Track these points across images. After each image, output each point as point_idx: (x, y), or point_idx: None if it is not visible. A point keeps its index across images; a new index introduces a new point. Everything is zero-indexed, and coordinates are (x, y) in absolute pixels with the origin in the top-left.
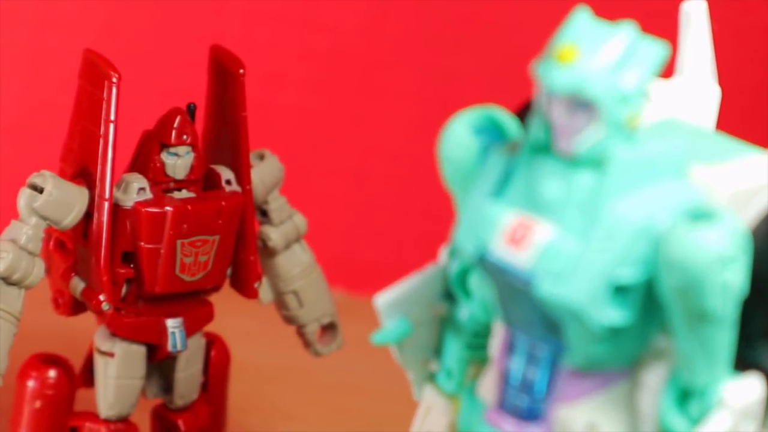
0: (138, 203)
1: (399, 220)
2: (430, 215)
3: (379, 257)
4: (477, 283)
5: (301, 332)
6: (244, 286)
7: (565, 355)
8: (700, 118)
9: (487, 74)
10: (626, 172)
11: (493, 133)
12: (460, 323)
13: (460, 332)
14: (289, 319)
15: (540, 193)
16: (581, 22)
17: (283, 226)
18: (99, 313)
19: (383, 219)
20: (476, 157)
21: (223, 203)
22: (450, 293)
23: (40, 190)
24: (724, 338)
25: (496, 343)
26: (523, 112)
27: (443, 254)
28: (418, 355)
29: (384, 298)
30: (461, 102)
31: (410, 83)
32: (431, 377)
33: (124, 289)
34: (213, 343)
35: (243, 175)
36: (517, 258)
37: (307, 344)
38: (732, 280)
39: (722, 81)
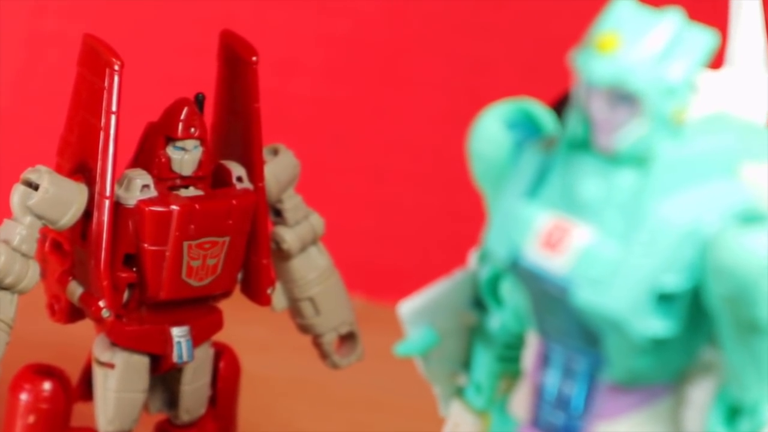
0: (141, 201)
1: (424, 221)
2: (458, 216)
3: (402, 262)
4: (509, 290)
5: (317, 342)
6: (256, 292)
7: (605, 369)
8: (752, 112)
9: (521, 63)
10: (671, 171)
11: (527, 128)
12: (490, 334)
13: (491, 343)
14: (304, 328)
15: (578, 193)
16: (623, 8)
17: (299, 227)
18: (98, 320)
19: (407, 220)
20: (509, 154)
21: (234, 202)
22: (480, 301)
23: (35, 187)
24: None
25: (529, 356)
26: (559, 105)
27: (473, 259)
28: (444, 367)
29: (408, 306)
30: (493, 94)
31: (437, 72)
32: (459, 392)
33: (125, 295)
34: (222, 353)
35: (255, 172)
36: (553, 263)
37: (323, 355)
38: None
39: None
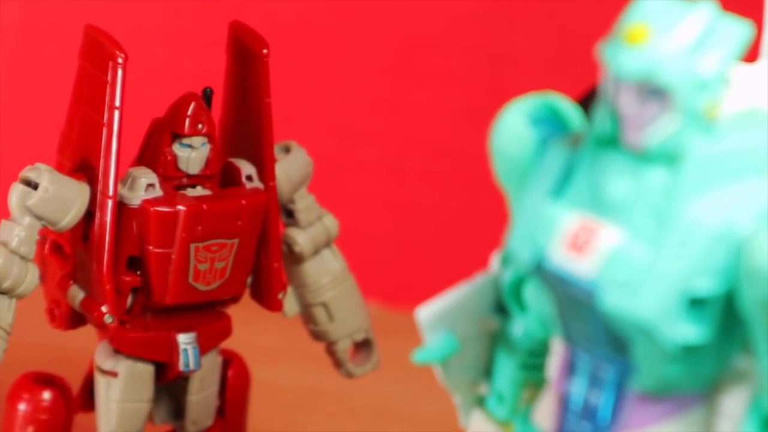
0: (146, 201)
1: (443, 222)
2: (479, 217)
3: (420, 265)
4: (533, 294)
5: (331, 350)
6: (267, 297)
7: (633, 377)
8: None
9: (546, 56)
10: (703, 169)
11: (552, 124)
12: (513, 340)
13: (514, 350)
14: (317, 335)
15: (606, 193)
16: None
17: (312, 229)
18: (101, 326)
19: (425, 221)
20: (533, 152)
21: (244, 202)
22: (502, 306)
23: (35, 186)
24: None
25: (554, 363)
26: (586, 100)
27: (495, 262)
28: (465, 376)
29: (427, 311)
30: (516, 88)
31: (456, 66)
32: (480, 401)
33: (129, 300)
34: (230, 361)
35: (266, 170)
36: (580, 266)
37: (337, 364)
38: None
39: None
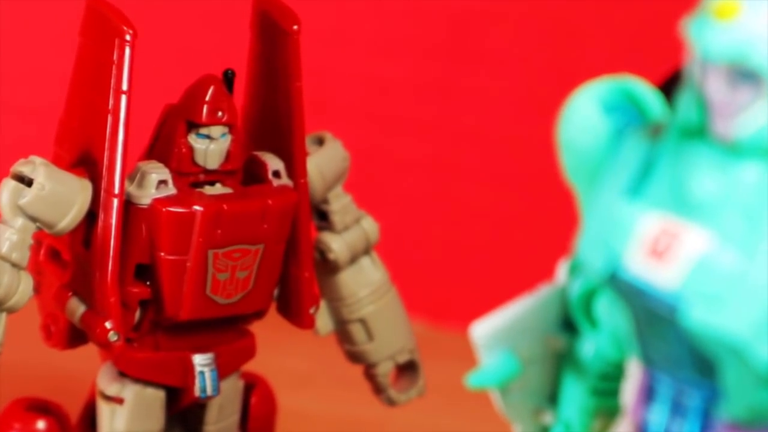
0: (157, 201)
1: (501, 226)
2: (543, 220)
3: (474, 276)
4: (606, 309)
5: (370, 374)
6: (296, 312)
7: (722, 404)
8: None
9: (621, 33)
10: None
11: (628, 112)
12: (583, 362)
13: (584, 374)
14: (354, 357)
15: (691, 191)
16: None
17: (348, 234)
18: (104, 345)
19: (480, 225)
20: (606, 144)
21: (270, 202)
22: (570, 322)
23: (28, 183)
24: None
25: (630, 389)
26: (668, 84)
27: (562, 271)
28: (527, 402)
29: (483, 329)
30: (586, 70)
31: (516, 45)
32: None
33: (137, 315)
34: (254, 386)
35: (296, 166)
36: (660, 276)
37: (378, 390)
38: None
39: None
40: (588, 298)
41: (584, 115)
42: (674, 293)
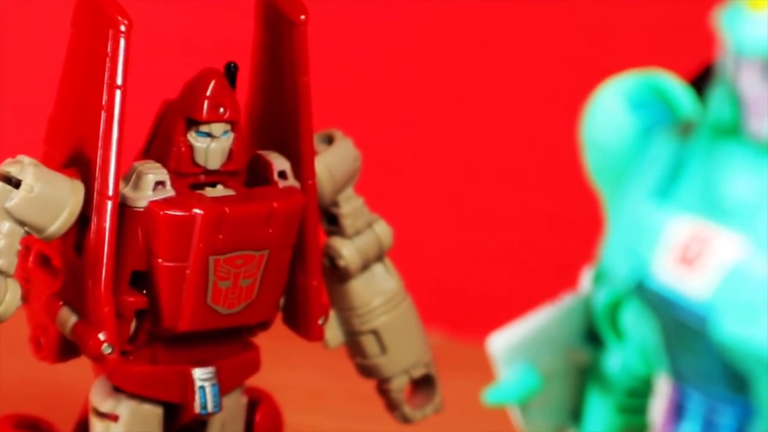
0: (154, 203)
1: (521, 232)
2: (565, 225)
3: (493, 285)
4: (633, 320)
5: (383, 389)
6: (304, 323)
7: (756, 422)
8: None
9: (649, 24)
10: None
11: (657, 109)
12: (608, 377)
13: (609, 389)
14: (366, 371)
15: (723, 194)
16: None
17: (360, 239)
18: (97, 358)
19: (499, 231)
20: (633, 143)
21: (275, 205)
22: (594, 334)
23: (16, 184)
24: None
25: (659, 405)
26: (700, 79)
27: (585, 280)
28: (548, 420)
29: (502, 341)
30: (612, 64)
31: (538, 35)
32: None
33: (132, 325)
34: (259, 403)
35: (303, 166)
36: (691, 284)
37: (391, 406)
38: None
39: None
40: (613, 309)
41: (610, 112)
42: (705, 303)
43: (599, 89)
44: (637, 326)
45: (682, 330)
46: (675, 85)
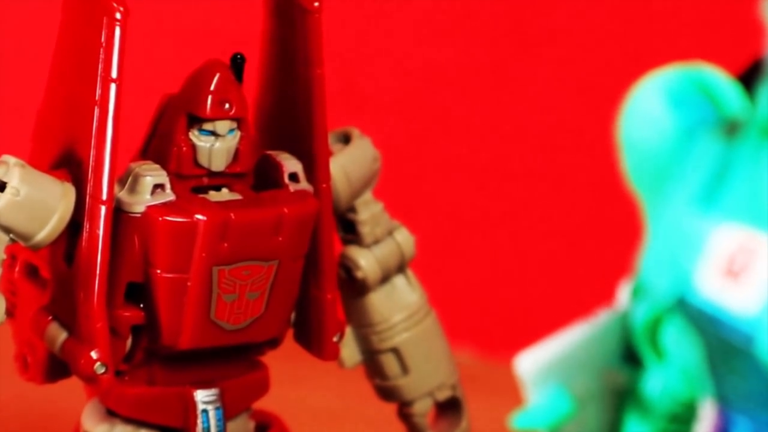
0: (152, 208)
1: (554, 240)
2: (601, 234)
3: (524, 300)
4: (675, 338)
5: (405, 413)
6: (317, 341)
7: None
8: None
9: (693, 15)
10: None
11: (701, 107)
12: (648, 401)
13: (649, 414)
14: (386, 393)
15: None
16: None
17: (379, 248)
18: (90, 378)
19: (530, 239)
20: (675, 143)
21: (286, 210)
22: (633, 354)
23: (1, 187)
24: None
25: (704, 431)
26: (748, 74)
27: (623, 294)
28: None
29: (531, 361)
30: (653, 57)
31: (573, 26)
32: None
33: (128, 343)
34: (268, 428)
35: (317, 167)
36: (737, 299)
37: (414, 431)
38: None
39: None
40: (654, 326)
41: (649, 109)
42: (752, 320)
43: (638, 85)
44: (679, 345)
45: (727, 349)
46: (721, 81)
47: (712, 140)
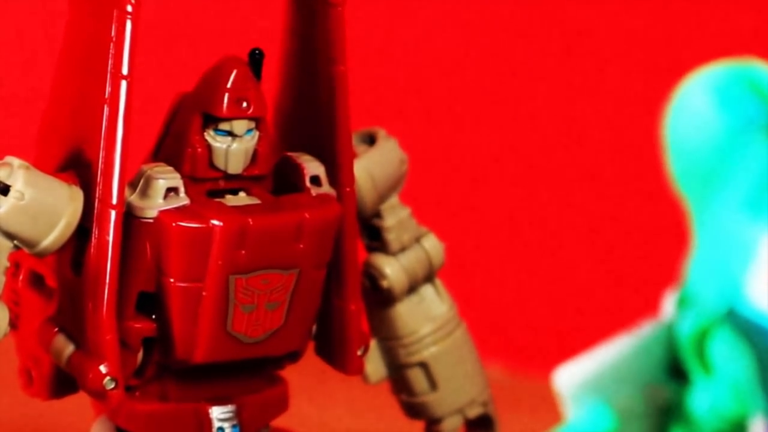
0: (165, 213)
1: (592, 247)
2: (645, 240)
3: (559, 311)
4: (724, 351)
5: (433, 431)
6: (340, 355)
7: None
8: None
9: (743, 5)
10: None
11: (751, 106)
12: (694, 417)
13: (696, 431)
14: (413, 410)
15: None
16: None
17: (406, 256)
18: (98, 394)
19: (566, 246)
20: (724, 144)
21: (307, 215)
22: (678, 368)
23: (4, 190)
24: None
25: None
26: None
27: (668, 305)
28: None
29: (570, 376)
30: (700, 53)
31: (612, 18)
32: None
33: (140, 356)
34: None
35: (341, 170)
36: None
37: None
38: None
39: None
40: (701, 338)
41: (697, 108)
42: None
43: (685, 83)
44: (729, 359)
45: None
46: None
47: (763, 141)
